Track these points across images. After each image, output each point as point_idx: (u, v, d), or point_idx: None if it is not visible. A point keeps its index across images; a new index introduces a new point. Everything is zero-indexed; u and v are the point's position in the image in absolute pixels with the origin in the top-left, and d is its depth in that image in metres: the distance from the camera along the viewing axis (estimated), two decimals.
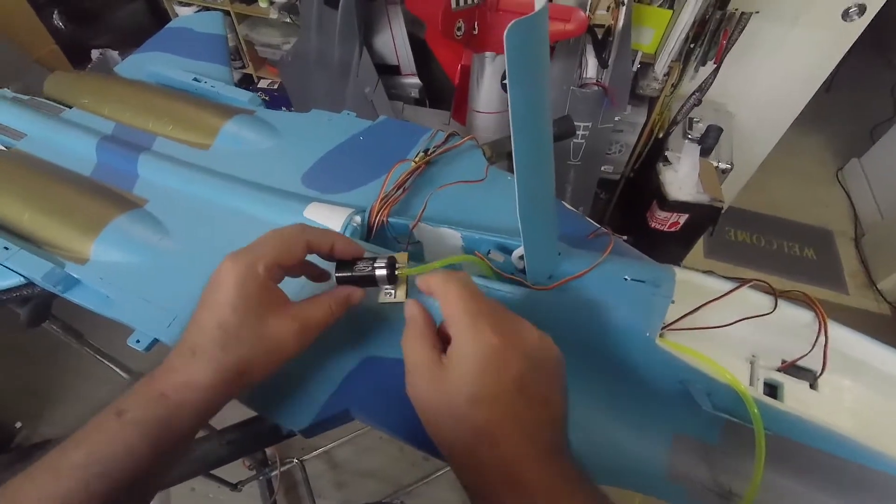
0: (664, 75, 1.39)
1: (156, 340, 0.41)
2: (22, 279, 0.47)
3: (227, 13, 1.81)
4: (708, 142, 1.50)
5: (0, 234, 0.49)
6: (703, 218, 1.41)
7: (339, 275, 0.34)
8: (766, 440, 0.31)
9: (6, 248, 0.47)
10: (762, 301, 0.36)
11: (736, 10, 1.30)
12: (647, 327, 0.32)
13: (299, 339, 0.31)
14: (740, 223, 2.08)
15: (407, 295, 0.35)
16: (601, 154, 1.42)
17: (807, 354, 0.35)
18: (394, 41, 1.37)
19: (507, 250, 0.40)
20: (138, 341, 0.41)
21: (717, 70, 1.41)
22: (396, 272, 0.33)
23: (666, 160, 1.46)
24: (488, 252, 0.40)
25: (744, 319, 0.36)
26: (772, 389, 0.36)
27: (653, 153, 1.59)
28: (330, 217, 0.44)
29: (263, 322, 0.30)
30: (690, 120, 1.56)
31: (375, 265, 0.33)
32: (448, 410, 0.27)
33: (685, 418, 0.34)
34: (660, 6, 1.26)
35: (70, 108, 0.65)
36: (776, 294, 0.35)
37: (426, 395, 0.28)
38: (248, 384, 0.31)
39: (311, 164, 0.53)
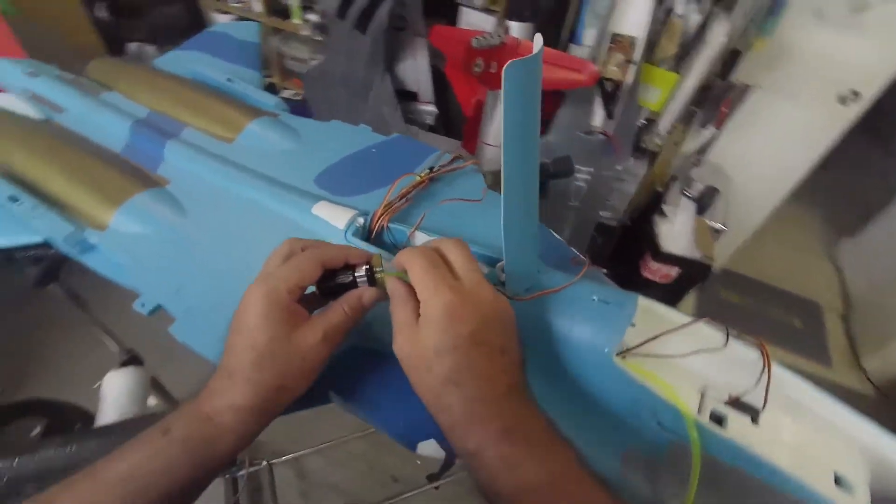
0: (667, 132, 1.46)
1: (159, 306, 0.45)
2: (40, 239, 0.51)
3: (260, 24, 1.91)
4: (704, 201, 1.56)
5: (31, 194, 0.53)
6: (693, 273, 1.45)
7: (321, 284, 0.36)
8: (702, 460, 0.34)
9: (35, 207, 0.51)
10: (717, 337, 0.39)
11: (739, 81, 1.38)
12: (607, 343, 0.35)
13: (325, 346, 0.33)
14: (731, 285, 2.13)
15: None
16: (601, 200, 1.48)
17: (750, 391, 0.38)
18: (416, 70, 1.45)
19: (492, 263, 0.43)
20: (143, 305, 0.44)
21: (716, 135, 1.48)
22: (377, 275, 0.35)
23: (662, 213, 1.52)
24: None
25: (698, 352, 0.39)
26: (718, 420, 0.38)
27: (650, 205, 1.65)
28: (335, 216, 0.48)
29: (291, 338, 0.32)
30: (689, 178, 1.63)
31: (356, 274, 0.36)
32: (421, 362, 0.31)
33: (636, 435, 0.37)
34: (668, 69, 1.34)
35: (110, 90, 0.70)
36: (728, 332, 0.39)
37: (406, 350, 0.32)
38: (287, 400, 0.33)
39: (324, 168, 0.57)
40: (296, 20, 1.87)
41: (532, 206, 0.34)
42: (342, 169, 0.57)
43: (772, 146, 1.63)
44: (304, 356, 0.32)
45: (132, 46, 1.93)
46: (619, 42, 1.27)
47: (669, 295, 1.50)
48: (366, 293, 0.36)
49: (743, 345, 0.39)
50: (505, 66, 0.24)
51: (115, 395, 0.71)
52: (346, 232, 0.47)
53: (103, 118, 0.63)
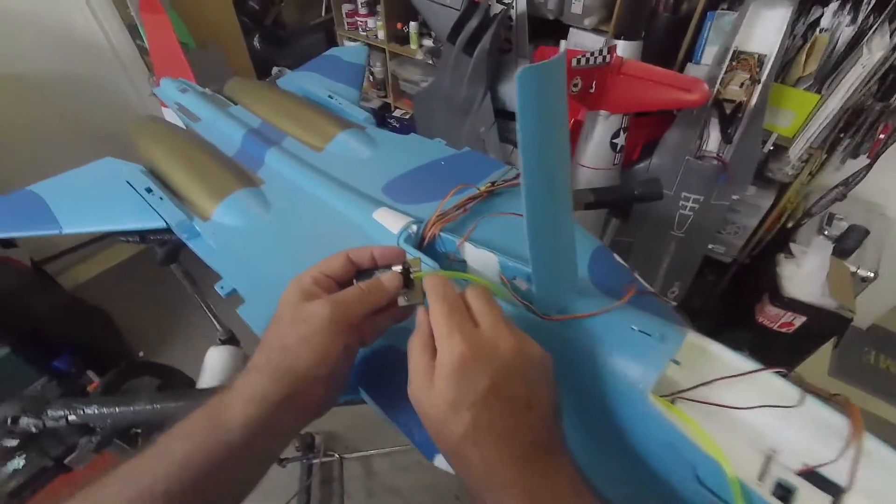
0: (801, 161, 1.27)
1: (234, 290, 0.51)
2: (164, 224, 0.61)
3: (382, 50, 2.08)
4: (847, 242, 1.32)
5: (161, 187, 0.64)
6: (824, 325, 1.23)
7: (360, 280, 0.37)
8: None
9: (161, 198, 0.62)
10: (790, 392, 0.33)
11: None
12: (641, 379, 0.32)
13: (328, 310, 0.32)
14: (886, 347, 1.75)
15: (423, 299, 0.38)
16: (711, 231, 1.33)
17: (832, 462, 0.31)
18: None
19: None
20: (222, 287, 0.51)
21: (870, 165, 1.25)
22: (412, 275, 0.36)
23: (789, 252, 1.32)
24: (514, 278, 0.43)
25: (765, 406, 0.33)
26: (785, 492, 0.32)
27: (775, 242, 1.44)
28: (392, 221, 0.50)
29: (300, 304, 0.34)
30: (830, 215, 1.39)
31: (393, 268, 0.36)
32: (436, 414, 0.29)
33: (670, 488, 0.32)
34: (807, 89, 1.17)
35: (236, 104, 0.82)
36: (806, 387, 0.32)
37: (420, 398, 0.30)
38: (293, 364, 0.32)
39: (393, 177, 0.60)
40: (413, 45, 2.01)
41: (564, 223, 0.33)
42: (410, 179, 0.60)
43: None
44: (305, 319, 0.33)
45: (274, 70, 2.24)
46: (744, 60, 1.15)
47: (791, 348, 1.29)
48: (386, 275, 0.36)
49: (826, 405, 0.32)
50: (517, 73, 0.24)
51: (212, 368, 0.82)
52: (399, 237, 0.49)
53: (225, 126, 0.74)
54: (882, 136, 1.18)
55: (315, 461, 1.34)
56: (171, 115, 1.00)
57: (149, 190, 0.63)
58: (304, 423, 0.36)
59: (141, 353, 1.74)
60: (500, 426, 0.28)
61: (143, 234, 0.66)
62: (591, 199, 0.70)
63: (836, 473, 0.31)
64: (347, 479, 1.37)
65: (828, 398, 0.32)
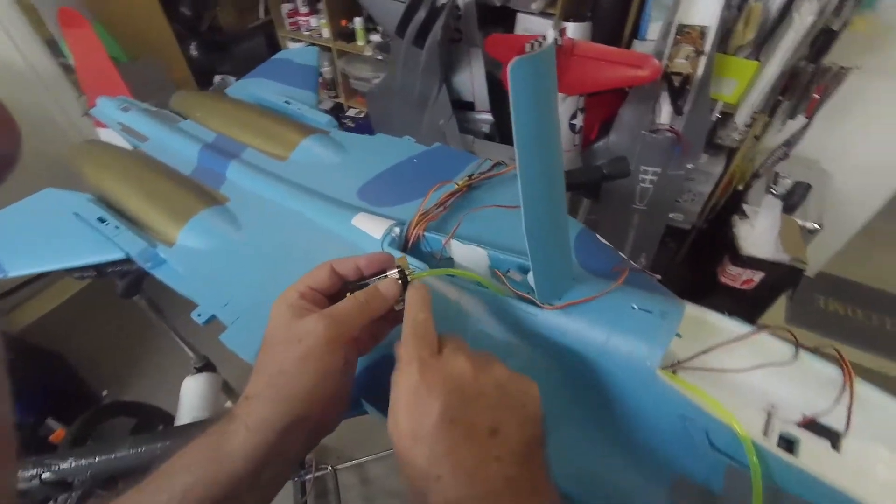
0: (746, 126, 1.33)
1: (213, 316, 0.48)
2: (123, 255, 0.57)
3: (329, 49, 2.03)
4: (793, 198, 1.41)
5: (114, 215, 0.59)
6: (781, 278, 1.31)
7: (353, 290, 0.35)
8: (767, 491, 0.29)
9: (117, 227, 0.57)
10: (783, 350, 0.34)
11: (833, 64, 1.23)
12: (648, 356, 0.32)
13: (325, 328, 0.31)
14: (833, 291, 1.88)
15: None
16: (670, 201, 1.38)
17: (829, 411, 0.32)
18: (472, 80, 1.46)
19: (527, 271, 0.41)
20: (199, 315, 0.48)
21: (807, 125, 1.33)
22: (409, 279, 0.35)
23: (743, 213, 1.39)
24: (507, 271, 0.42)
25: (762, 367, 0.34)
26: (788, 444, 0.33)
27: (729, 205, 1.51)
28: (373, 226, 0.49)
29: (291, 323, 0.32)
30: (776, 174, 1.47)
31: (388, 273, 0.35)
32: (399, 449, 0.28)
33: (687, 460, 0.33)
34: (746, 57, 1.23)
35: (186, 119, 0.78)
36: (798, 343, 0.34)
37: (391, 433, 0.29)
38: (293, 389, 0.31)
39: (367, 180, 0.58)
40: (360, 42, 1.96)
41: (559, 211, 0.32)
42: (384, 180, 0.58)
43: (876, 133, 1.43)
44: (301, 338, 0.31)
45: (217, 78, 2.14)
46: (688, 33, 1.18)
47: (753, 303, 1.36)
48: (384, 283, 0.35)
49: (818, 359, 0.34)
50: (509, 65, 0.23)
51: (190, 399, 0.78)
52: (382, 242, 0.48)
53: (178, 144, 0.70)
54: (816, 95, 1.26)
55: (308, 477, 1.31)
56: (109, 137, 0.93)
57: (102, 220, 0.59)
58: (313, 444, 0.34)
59: (105, 393, 1.63)
60: (459, 456, 0.26)
61: (100, 268, 0.62)
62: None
63: (834, 420, 0.33)
64: (344, 489, 1.34)
65: (819, 352, 0.34)
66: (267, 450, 0.30)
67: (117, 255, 0.57)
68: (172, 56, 2.01)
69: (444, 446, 0.26)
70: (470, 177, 0.54)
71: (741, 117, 1.28)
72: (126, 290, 0.65)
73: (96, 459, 0.49)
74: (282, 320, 0.33)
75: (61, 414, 1.38)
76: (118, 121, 0.78)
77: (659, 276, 0.47)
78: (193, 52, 2.17)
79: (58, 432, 1.09)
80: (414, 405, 0.27)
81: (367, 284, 0.36)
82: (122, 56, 1.73)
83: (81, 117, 1.68)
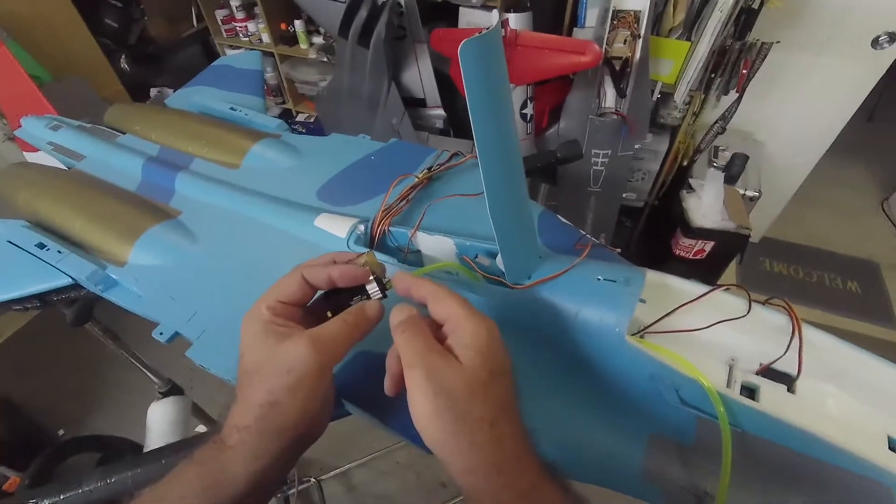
0: (685, 104, 1.40)
1: (177, 334, 0.46)
2: (70, 280, 0.54)
3: (271, 54, 1.97)
4: (733, 169, 1.49)
5: (55, 239, 0.56)
6: (729, 246, 1.38)
7: (331, 301, 0.35)
8: (739, 439, 0.31)
9: (59, 252, 0.54)
10: (738, 305, 0.37)
11: (756, 40, 1.31)
12: (617, 323, 0.34)
13: (314, 357, 0.30)
14: (776, 254, 2.01)
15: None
16: (622, 181, 1.43)
17: (781, 357, 0.35)
18: (420, 76, 1.46)
19: (495, 255, 0.42)
20: (161, 333, 0.46)
21: (739, 99, 1.41)
22: (387, 288, 0.34)
23: (690, 187, 1.46)
24: (476, 256, 0.43)
25: (719, 322, 0.36)
26: (750, 392, 0.36)
27: (677, 181, 1.59)
28: (337, 226, 0.48)
29: (275, 349, 0.31)
30: (715, 148, 1.56)
31: (367, 287, 0.34)
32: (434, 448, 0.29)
33: (660, 418, 0.35)
34: (678, 38, 1.29)
35: (124, 133, 0.74)
36: (750, 297, 0.36)
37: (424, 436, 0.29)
38: (287, 418, 0.30)
39: (325, 181, 0.57)
40: (303, 45, 1.92)
41: (520, 193, 0.33)
42: (343, 179, 0.58)
43: (801, 104, 1.54)
44: (290, 368, 0.30)
45: (154, 91, 2.04)
46: (623, 18, 1.23)
47: (706, 271, 1.44)
48: (370, 304, 0.34)
49: (769, 310, 0.37)
50: (460, 46, 0.24)
51: (158, 425, 0.74)
52: (347, 241, 0.47)
53: (119, 160, 0.66)
54: (744, 71, 1.34)
55: (291, 492, 1.28)
56: (39, 160, 0.87)
57: (41, 245, 0.55)
58: (305, 451, 0.34)
59: (61, 433, 1.53)
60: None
61: (44, 297, 0.58)
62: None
63: (787, 365, 0.36)
64: (330, 499, 1.32)
65: (768, 303, 0.36)
66: (266, 471, 0.31)
67: (63, 282, 0.54)
68: (102, 71, 1.89)
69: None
70: (429, 169, 0.54)
71: (679, 95, 1.34)
72: (76, 319, 0.61)
73: (62, 497, 0.46)
74: (260, 344, 0.32)
75: (15, 462, 1.28)
76: (48, 140, 0.73)
77: (619, 250, 0.49)
78: (125, 65, 2.06)
79: (12, 480, 1.02)
80: (492, 346, 0.30)
81: (344, 294, 0.35)
82: (46, 75, 1.62)
83: (3, 143, 1.56)
